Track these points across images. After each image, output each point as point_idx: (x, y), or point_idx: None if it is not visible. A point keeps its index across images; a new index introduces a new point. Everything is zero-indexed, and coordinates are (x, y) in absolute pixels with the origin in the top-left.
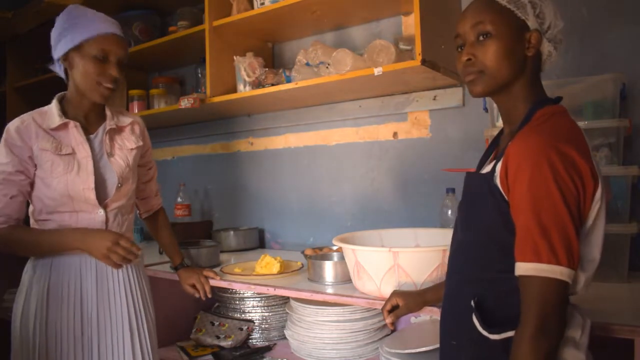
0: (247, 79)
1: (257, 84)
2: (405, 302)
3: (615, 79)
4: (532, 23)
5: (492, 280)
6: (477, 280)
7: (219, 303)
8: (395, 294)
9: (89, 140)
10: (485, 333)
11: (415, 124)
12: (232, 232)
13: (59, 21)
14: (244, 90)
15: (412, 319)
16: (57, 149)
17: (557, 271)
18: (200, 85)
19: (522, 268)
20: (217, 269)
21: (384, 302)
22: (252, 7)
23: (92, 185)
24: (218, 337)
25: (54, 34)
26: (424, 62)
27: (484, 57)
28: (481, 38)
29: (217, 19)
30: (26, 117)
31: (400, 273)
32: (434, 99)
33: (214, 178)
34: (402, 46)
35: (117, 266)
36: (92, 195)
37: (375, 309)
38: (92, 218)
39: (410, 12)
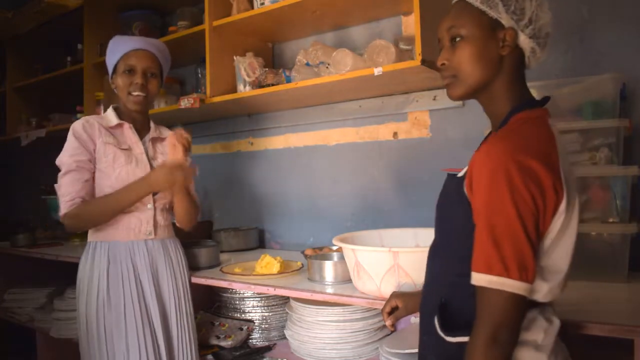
0: (247, 79)
1: (257, 84)
2: (404, 304)
3: (615, 79)
4: (506, 20)
5: (456, 283)
6: (444, 282)
7: (219, 303)
8: (394, 295)
9: None
10: (441, 334)
11: (415, 124)
12: (232, 232)
13: (106, 54)
14: (244, 90)
15: (412, 319)
16: (118, 144)
17: (507, 284)
18: (200, 85)
19: (476, 278)
20: (217, 269)
21: (384, 302)
22: (252, 7)
23: None
24: (218, 337)
25: None
26: (424, 62)
27: (455, 61)
28: (454, 42)
29: (217, 19)
30: (89, 117)
31: (400, 273)
32: (434, 99)
33: (214, 178)
34: (402, 46)
35: (182, 187)
36: None
37: (375, 309)
38: (143, 211)
39: (410, 12)
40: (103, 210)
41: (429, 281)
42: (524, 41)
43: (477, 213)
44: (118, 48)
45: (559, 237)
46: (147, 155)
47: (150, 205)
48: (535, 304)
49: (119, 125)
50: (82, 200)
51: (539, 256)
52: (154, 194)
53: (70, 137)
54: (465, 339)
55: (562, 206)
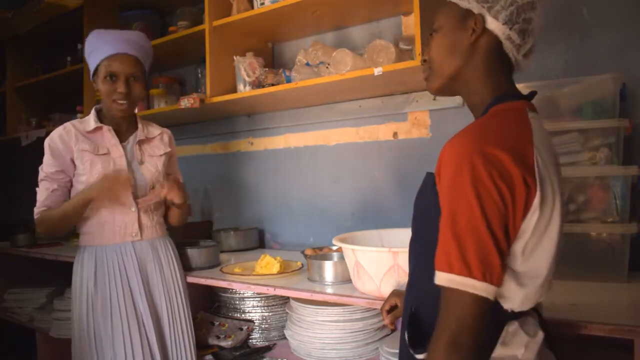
0: (247, 79)
1: (257, 84)
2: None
3: (615, 79)
4: (475, 7)
5: (428, 290)
6: (418, 289)
7: (219, 303)
8: (393, 294)
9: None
10: (410, 350)
11: (415, 124)
12: (232, 232)
13: (85, 50)
14: (244, 90)
15: None
16: (95, 150)
17: (468, 284)
18: (200, 85)
19: (438, 277)
20: (216, 269)
21: (383, 302)
22: (252, 7)
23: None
24: (218, 337)
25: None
26: (424, 62)
27: (430, 54)
28: (431, 36)
29: (217, 19)
30: (68, 124)
31: (400, 273)
32: (434, 99)
33: (214, 178)
34: (402, 46)
35: (115, 197)
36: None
37: (375, 309)
38: (126, 213)
39: (410, 12)
40: (57, 219)
41: (406, 287)
42: (497, 28)
43: (442, 207)
44: (98, 50)
45: (537, 239)
46: (127, 158)
47: (134, 208)
48: (515, 315)
49: (98, 129)
50: (46, 208)
51: (516, 260)
52: (136, 196)
53: (45, 147)
54: None
55: (536, 202)
